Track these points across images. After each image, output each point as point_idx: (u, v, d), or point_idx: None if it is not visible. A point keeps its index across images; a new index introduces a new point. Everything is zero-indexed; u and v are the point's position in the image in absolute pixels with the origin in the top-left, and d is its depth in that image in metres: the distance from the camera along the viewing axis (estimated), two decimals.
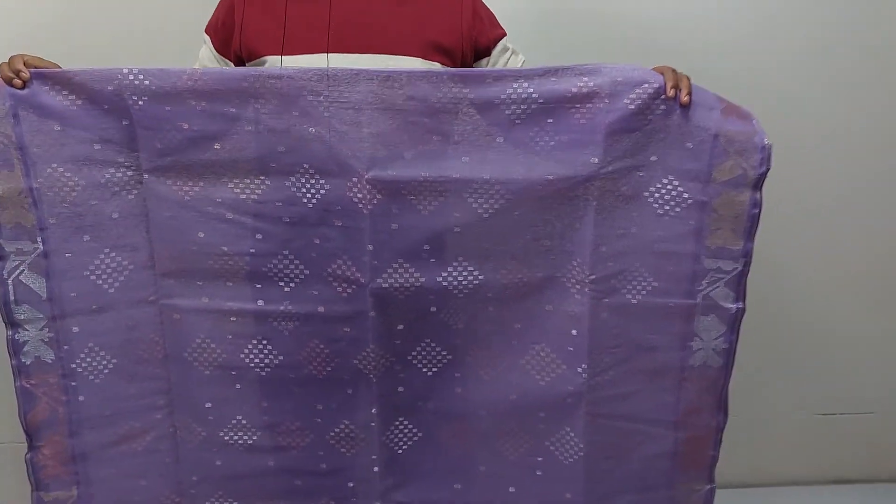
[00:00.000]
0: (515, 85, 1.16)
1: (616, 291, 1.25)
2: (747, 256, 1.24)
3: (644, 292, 1.25)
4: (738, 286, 1.25)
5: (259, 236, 1.21)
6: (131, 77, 1.14)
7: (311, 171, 1.18)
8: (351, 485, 1.34)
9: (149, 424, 1.31)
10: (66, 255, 1.22)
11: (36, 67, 1.16)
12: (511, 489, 1.35)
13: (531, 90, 1.16)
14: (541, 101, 1.16)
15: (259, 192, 1.20)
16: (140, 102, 1.14)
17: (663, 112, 1.16)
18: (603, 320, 1.25)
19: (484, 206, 1.20)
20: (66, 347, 1.25)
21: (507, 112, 1.17)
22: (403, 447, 1.34)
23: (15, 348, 1.25)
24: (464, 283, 1.24)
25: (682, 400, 1.32)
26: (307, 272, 1.23)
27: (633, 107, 1.15)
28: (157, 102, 1.14)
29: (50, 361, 1.26)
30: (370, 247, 1.20)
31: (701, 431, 1.33)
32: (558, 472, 1.33)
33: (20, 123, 1.15)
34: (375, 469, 1.33)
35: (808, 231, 1.97)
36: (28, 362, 1.25)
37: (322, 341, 1.26)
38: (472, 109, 1.17)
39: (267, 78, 1.15)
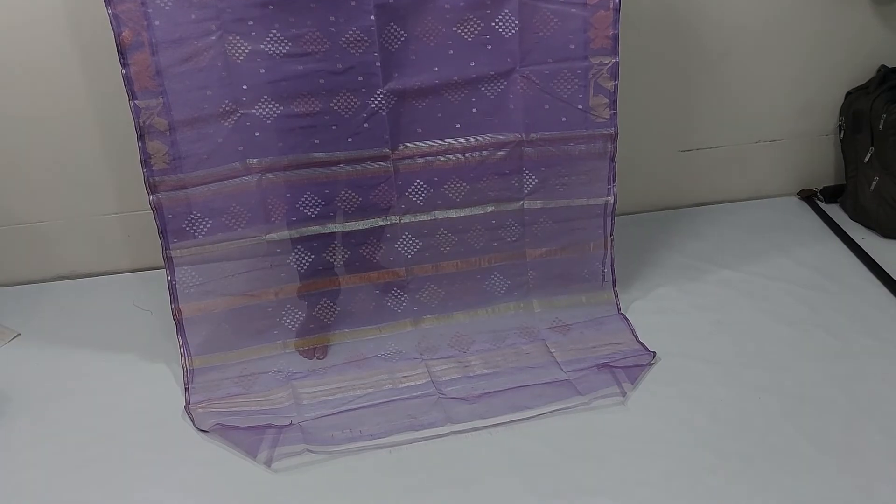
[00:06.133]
0: None
1: None
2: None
3: None
4: None
5: None
6: None
7: None
8: (360, 78, 1.80)
9: (207, 44, 1.72)
10: None
11: None
12: (472, 63, 1.84)
13: None
14: None
15: None
16: None
17: None
18: None
19: None
20: None
21: None
22: (395, 46, 1.79)
23: None
24: None
25: None
26: None
27: None
28: None
29: None
30: None
31: (602, 12, 1.80)
32: (502, 44, 1.83)
33: None
34: (378, 64, 1.78)
35: None
36: None
37: None
38: None
39: None
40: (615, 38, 1.82)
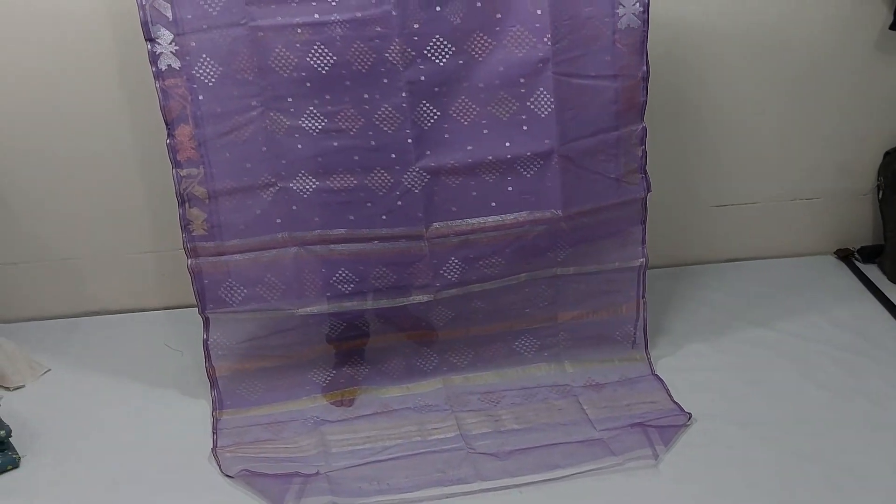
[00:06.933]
0: None
1: None
2: None
3: None
4: None
5: None
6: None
7: None
8: (393, 155, 1.80)
9: (248, 119, 1.77)
10: None
11: None
12: (507, 143, 1.82)
13: None
14: None
15: None
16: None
17: None
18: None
19: None
20: (187, 58, 1.73)
21: None
22: (428, 124, 1.79)
23: (153, 58, 1.73)
24: None
25: (615, 57, 1.78)
26: None
27: None
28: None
29: (178, 68, 1.73)
30: None
31: (631, 81, 1.80)
32: (538, 123, 1.80)
33: None
34: (409, 141, 1.79)
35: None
36: (163, 68, 1.73)
37: (362, 41, 1.72)
38: None
39: None
40: (643, 105, 1.82)
